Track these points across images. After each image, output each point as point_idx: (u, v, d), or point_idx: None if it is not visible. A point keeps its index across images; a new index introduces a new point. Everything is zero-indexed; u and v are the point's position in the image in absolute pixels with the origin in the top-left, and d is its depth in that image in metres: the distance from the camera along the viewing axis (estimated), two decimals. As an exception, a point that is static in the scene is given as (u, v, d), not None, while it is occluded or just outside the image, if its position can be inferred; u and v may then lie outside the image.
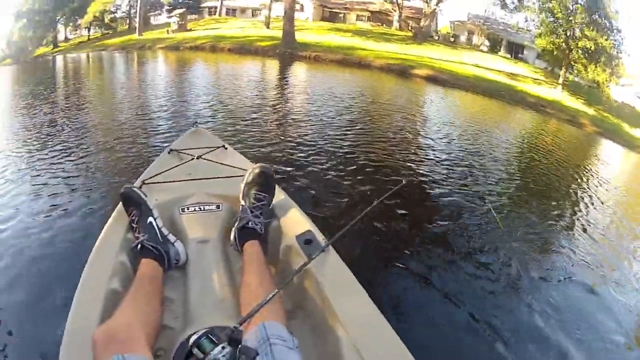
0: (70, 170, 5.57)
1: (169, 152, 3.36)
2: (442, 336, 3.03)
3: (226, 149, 3.46)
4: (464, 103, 19.06)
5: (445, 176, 6.59)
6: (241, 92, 11.72)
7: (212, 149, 3.35)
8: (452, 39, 38.84)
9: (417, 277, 3.63)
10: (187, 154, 3.26)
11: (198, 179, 2.83)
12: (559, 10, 30.01)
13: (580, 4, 29.86)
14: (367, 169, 6.16)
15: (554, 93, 29.92)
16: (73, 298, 1.74)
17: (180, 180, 2.82)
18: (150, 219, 2.23)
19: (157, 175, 2.85)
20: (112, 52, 27.64)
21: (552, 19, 30.94)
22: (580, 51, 30.12)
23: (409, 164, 6.89)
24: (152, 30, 34.97)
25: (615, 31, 31.18)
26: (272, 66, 20.67)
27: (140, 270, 2.03)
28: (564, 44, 30.59)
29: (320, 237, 2.08)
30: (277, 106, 10.14)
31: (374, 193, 5.20)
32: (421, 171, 6.63)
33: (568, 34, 30.41)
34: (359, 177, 5.77)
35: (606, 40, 29.94)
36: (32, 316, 2.81)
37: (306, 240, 2.05)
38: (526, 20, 33.98)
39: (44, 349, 2.46)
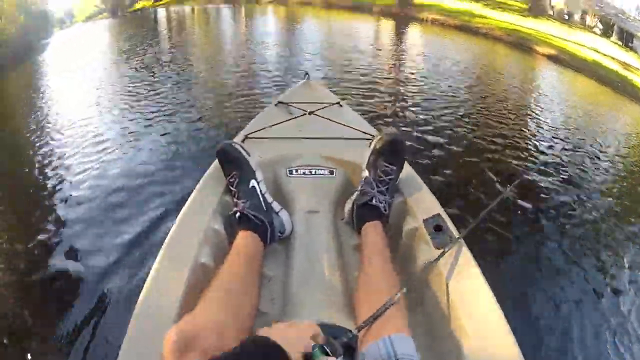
0: (174, 121, 5.75)
1: (276, 105, 3.17)
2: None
3: (341, 106, 3.23)
4: (589, 91, 18.75)
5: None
6: (354, 59, 11.38)
7: (326, 105, 3.10)
8: (566, 16, 36.67)
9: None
10: (298, 108, 3.05)
11: (309, 138, 2.62)
12: None
13: None
14: (487, 153, 5.96)
15: None
16: (149, 274, 1.53)
17: (289, 138, 2.63)
18: (253, 182, 2.00)
19: (262, 129, 2.66)
20: (219, 5, 27.50)
21: None
22: None
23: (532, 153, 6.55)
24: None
25: None
26: (388, 28, 20.28)
27: (238, 243, 1.83)
28: None
29: (451, 226, 1.88)
30: (389, 81, 9.58)
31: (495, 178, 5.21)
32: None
33: None
34: (480, 159, 5.65)
35: None
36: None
37: (436, 227, 1.83)
38: (637, 8, 30.79)
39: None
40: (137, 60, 10.20)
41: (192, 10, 26.41)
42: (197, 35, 16.70)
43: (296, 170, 2.30)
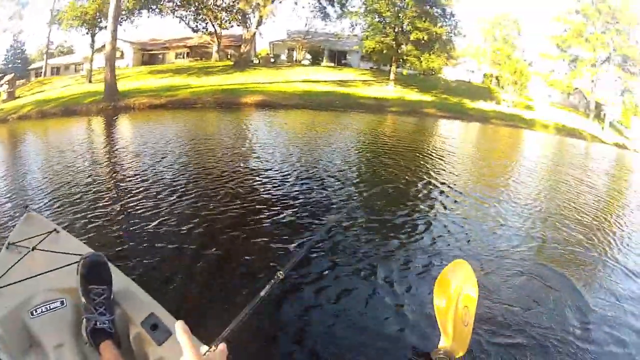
0: None
1: (7, 247, 3.12)
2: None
3: (58, 232, 3.29)
4: (298, 121, 19.54)
5: (294, 197, 7.22)
6: (67, 166, 10.76)
7: (45, 235, 3.17)
8: (272, 60, 39.40)
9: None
10: (23, 246, 3.06)
11: (39, 275, 2.67)
12: (386, 9, 30.79)
13: None
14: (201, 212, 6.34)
15: (387, 90, 31.36)
16: None
17: (23, 280, 2.65)
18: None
19: (1, 277, 2.67)
20: None
21: (379, 19, 31.73)
22: (411, 44, 31.24)
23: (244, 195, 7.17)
24: (-13, 100, 32.51)
25: (448, 16, 33.13)
26: (97, 125, 19.56)
27: None
28: (392, 41, 31.46)
29: (166, 317, 2.04)
30: (106, 176, 9.27)
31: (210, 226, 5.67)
32: (260, 197, 7.05)
33: (397, 30, 31.39)
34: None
35: (440, 27, 31.59)
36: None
37: (152, 326, 1.99)
38: (352, 26, 34.89)
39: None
40: None
41: None
42: None
43: (35, 311, 2.34)
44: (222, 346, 1.20)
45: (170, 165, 9.63)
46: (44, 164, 10.89)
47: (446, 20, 33.14)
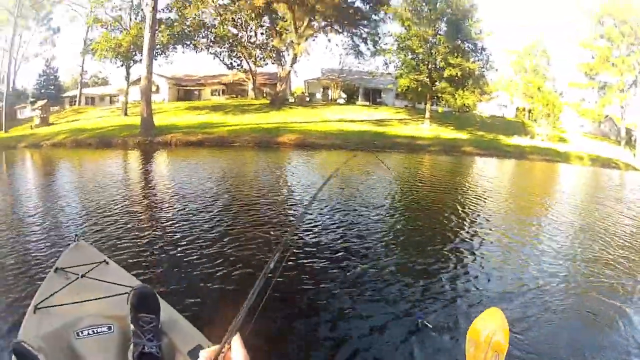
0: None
1: (55, 271, 3.37)
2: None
3: (107, 264, 3.53)
4: (335, 162, 19.39)
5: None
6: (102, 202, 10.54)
7: (94, 265, 3.40)
8: (307, 99, 39.54)
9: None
10: (72, 273, 3.28)
11: (88, 300, 2.87)
12: (419, 45, 30.97)
13: (441, 34, 31.22)
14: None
15: (423, 129, 31.29)
16: None
17: (72, 303, 2.84)
18: None
19: (46, 299, 2.86)
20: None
21: (412, 56, 31.87)
22: (445, 81, 31.12)
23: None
24: (19, 124, 33.37)
25: (479, 51, 33.22)
26: (134, 160, 19.12)
27: None
28: (427, 79, 31.55)
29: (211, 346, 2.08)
30: (143, 218, 8.93)
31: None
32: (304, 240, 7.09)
33: (430, 67, 31.49)
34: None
35: (473, 63, 31.54)
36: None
37: (198, 356, 2.01)
38: (385, 64, 34.73)
39: None
40: None
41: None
42: None
43: (82, 332, 2.48)
44: (236, 341, 1.03)
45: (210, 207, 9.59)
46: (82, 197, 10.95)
47: (478, 55, 33.31)
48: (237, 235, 7.27)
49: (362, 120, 31.15)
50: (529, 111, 41.13)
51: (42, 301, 2.85)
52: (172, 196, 10.72)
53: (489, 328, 3.16)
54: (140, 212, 9.24)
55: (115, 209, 9.03)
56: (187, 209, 9.16)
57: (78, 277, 3.22)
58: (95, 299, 2.89)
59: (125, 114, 31.76)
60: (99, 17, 33.68)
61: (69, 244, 3.98)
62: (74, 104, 40.39)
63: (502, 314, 3.25)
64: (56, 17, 40.76)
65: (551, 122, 37.59)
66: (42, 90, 40.17)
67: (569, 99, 44.40)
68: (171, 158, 19.41)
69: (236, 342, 1.01)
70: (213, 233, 7.45)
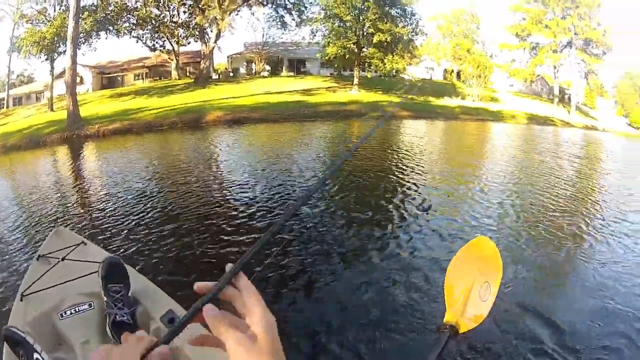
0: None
1: (37, 259, 3.51)
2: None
3: (86, 244, 3.67)
4: (265, 135, 19.77)
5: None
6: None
7: (73, 247, 3.54)
8: (231, 74, 39.54)
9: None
10: (53, 257, 3.41)
11: (69, 281, 2.98)
12: (347, 12, 31.04)
13: (369, 1, 31.20)
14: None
15: (352, 95, 31.84)
16: None
17: (54, 285, 2.97)
18: (36, 355, 2.28)
19: (32, 284, 3.01)
20: None
21: (340, 24, 31.92)
22: (374, 47, 31.55)
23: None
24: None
25: (409, 16, 33.59)
26: (63, 157, 18.92)
27: None
28: (354, 46, 31.87)
29: (182, 312, 1.85)
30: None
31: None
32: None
33: (358, 34, 31.73)
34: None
35: (403, 27, 32.11)
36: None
37: (169, 320, 2.10)
38: (312, 33, 34.80)
39: None
40: None
41: None
42: None
43: (65, 313, 2.63)
44: (243, 278, 0.89)
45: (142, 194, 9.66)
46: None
47: (407, 20, 33.64)
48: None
49: (289, 92, 31.36)
50: (458, 73, 42.14)
51: (27, 288, 3.00)
52: (104, 193, 10.43)
53: (478, 255, 3.17)
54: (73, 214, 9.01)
55: (49, 213, 8.92)
56: (119, 205, 9.01)
57: (59, 261, 3.35)
58: (75, 279, 3.02)
59: (52, 110, 30.74)
60: (24, 12, 32.43)
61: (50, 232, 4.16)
62: (2, 107, 38.98)
63: (492, 243, 3.22)
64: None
65: (482, 83, 38.62)
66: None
67: (499, 60, 45.89)
68: (99, 150, 18.99)
69: (243, 279, 0.88)
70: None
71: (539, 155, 16.09)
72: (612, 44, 44.93)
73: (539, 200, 9.21)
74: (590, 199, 10.12)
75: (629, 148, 26.72)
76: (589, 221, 8.00)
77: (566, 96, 48.61)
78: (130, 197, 9.50)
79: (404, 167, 11.96)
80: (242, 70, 40.65)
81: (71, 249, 3.56)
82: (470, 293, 2.88)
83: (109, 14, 33.62)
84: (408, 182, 10.30)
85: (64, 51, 28.38)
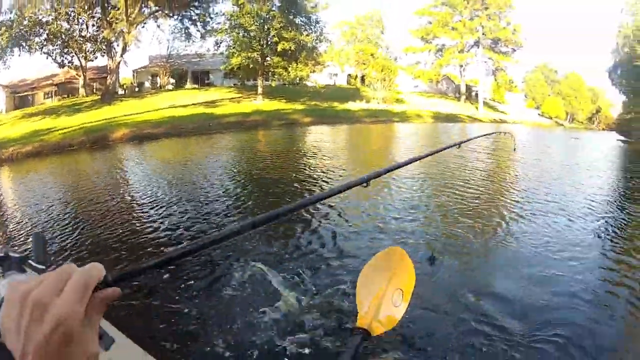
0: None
1: None
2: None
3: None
4: (169, 150, 20.29)
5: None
6: None
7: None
8: (137, 89, 39.52)
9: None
10: None
11: None
12: (252, 22, 31.90)
13: (275, 10, 32.31)
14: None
15: (256, 105, 32.84)
16: None
17: None
18: None
19: None
20: None
21: (244, 34, 32.76)
22: (277, 56, 32.65)
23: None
24: None
25: (314, 23, 34.90)
26: None
27: None
28: (258, 55, 32.77)
29: (109, 328, 2.01)
30: None
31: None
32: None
33: (262, 43, 32.67)
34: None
35: (307, 35, 33.41)
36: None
37: (99, 336, 1.40)
38: (216, 44, 35.26)
39: None
40: None
41: None
42: None
43: None
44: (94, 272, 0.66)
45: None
46: None
47: (312, 27, 34.96)
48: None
49: (193, 104, 32.04)
50: (362, 77, 43.87)
51: None
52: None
53: (389, 263, 3.11)
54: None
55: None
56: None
57: None
58: None
59: None
60: None
61: None
62: None
63: (404, 252, 3.16)
64: None
65: (386, 86, 40.05)
66: None
67: (403, 63, 48.20)
68: (13, 175, 18.13)
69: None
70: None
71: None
72: (523, 41, 47.96)
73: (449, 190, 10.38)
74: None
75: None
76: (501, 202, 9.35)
77: (473, 93, 51.29)
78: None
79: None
80: (147, 84, 40.81)
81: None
82: (382, 300, 2.82)
83: (22, 29, 33.07)
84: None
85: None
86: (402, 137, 25.20)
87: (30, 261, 1.14)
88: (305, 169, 13.36)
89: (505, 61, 49.52)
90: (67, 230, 8.05)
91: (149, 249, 6.59)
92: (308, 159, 15.83)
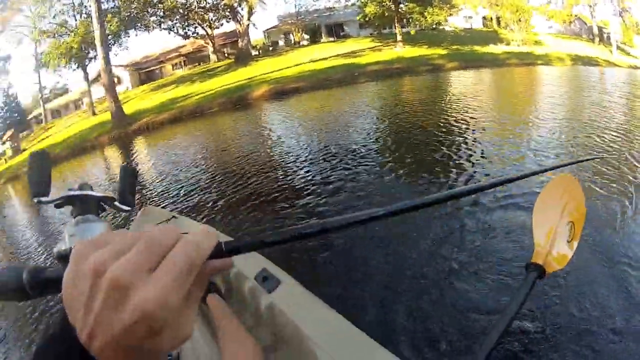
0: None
1: None
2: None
3: (177, 218, 3.45)
4: (317, 103, 18.83)
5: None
6: None
7: (164, 221, 3.32)
8: (270, 48, 39.36)
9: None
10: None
11: None
12: None
13: None
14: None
15: (397, 51, 31.05)
16: None
17: None
18: None
19: None
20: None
21: None
22: (412, 2, 31.23)
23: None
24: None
25: None
26: (113, 158, 18.44)
27: None
28: (391, 3, 31.24)
29: (275, 270, 2.15)
30: None
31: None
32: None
33: None
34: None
35: None
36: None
37: (263, 278, 2.09)
38: None
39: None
40: None
41: None
42: None
43: None
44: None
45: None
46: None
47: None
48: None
49: (333, 57, 30.70)
50: (497, 19, 41.33)
51: None
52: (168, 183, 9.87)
53: (562, 193, 2.80)
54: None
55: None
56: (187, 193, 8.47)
57: None
58: None
59: (94, 114, 31.08)
60: (43, 29, 32.33)
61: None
62: (41, 123, 39.32)
63: (576, 181, 2.81)
64: (3, 45, 39.01)
65: (523, 27, 37.90)
66: (8, 121, 39.03)
67: (536, 2, 45.01)
68: (149, 145, 18.57)
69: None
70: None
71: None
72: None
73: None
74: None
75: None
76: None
77: (605, 35, 47.71)
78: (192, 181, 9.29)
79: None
80: (281, 42, 40.18)
81: (163, 223, 3.24)
82: (556, 234, 2.54)
83: (132, 12, 33.16)
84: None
85: (95, 56, 28.71)
86: (553, 82, 21.93)
87: (115, 202, 1.12)
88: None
89: (628, 1, 44.64)
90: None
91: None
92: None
